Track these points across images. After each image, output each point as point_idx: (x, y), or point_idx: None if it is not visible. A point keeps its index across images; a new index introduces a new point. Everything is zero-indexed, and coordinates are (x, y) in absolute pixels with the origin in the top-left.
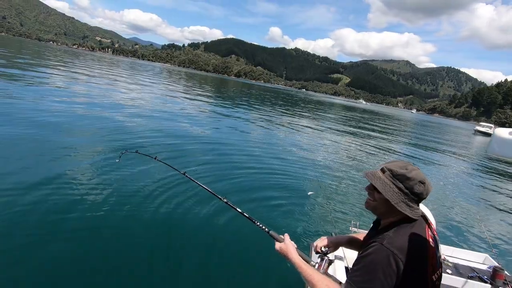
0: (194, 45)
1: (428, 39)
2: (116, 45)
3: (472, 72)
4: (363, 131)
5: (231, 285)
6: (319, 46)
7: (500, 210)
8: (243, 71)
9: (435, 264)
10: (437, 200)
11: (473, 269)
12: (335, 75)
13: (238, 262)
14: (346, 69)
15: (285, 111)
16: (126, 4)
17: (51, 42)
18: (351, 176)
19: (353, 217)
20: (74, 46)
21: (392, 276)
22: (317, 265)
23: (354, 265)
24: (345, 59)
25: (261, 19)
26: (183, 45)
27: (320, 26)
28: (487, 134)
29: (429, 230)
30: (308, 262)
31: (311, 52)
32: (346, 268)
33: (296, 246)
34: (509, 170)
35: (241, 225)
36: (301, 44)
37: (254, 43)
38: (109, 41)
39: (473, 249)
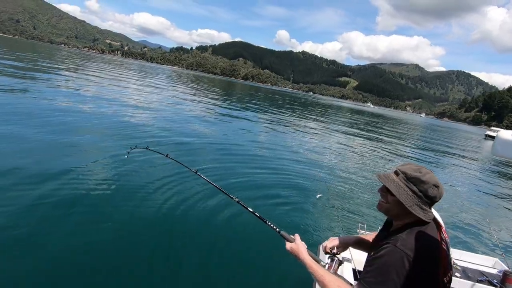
0: (202, 48)
1: (437, 42)
2: (126, 48)
3: (483, 76)
4: (371, 134)
5: (240, 284)
6: (327, 49)
7: (510, 214)
8: (250, 74)
9: (447, 266)
10: (447, 203)
11: (482, 273)
12: (342, 78)
13: (244, 261)
14: (354, 73)
15: (292, 114)
16: (135, 7)
17: (62, 45)
18: (358, 178)
19: (360, 219)
20: (84, 49)
21: (405, 277)
22: (327, 265)
23: (366, 266)
24: (353, 63)
25: (268, 22)
26: (191, 48)
27: (328, 29)
28: None
29: (440, 233)
30: (318, 262)
31: (319, 55)
32: (354, 269)
33: (306, 246)
34: None
35: (246, 225)
36: (309, 47)
37: (262, 46)
38: (118, 43)
39: (482, 253)
